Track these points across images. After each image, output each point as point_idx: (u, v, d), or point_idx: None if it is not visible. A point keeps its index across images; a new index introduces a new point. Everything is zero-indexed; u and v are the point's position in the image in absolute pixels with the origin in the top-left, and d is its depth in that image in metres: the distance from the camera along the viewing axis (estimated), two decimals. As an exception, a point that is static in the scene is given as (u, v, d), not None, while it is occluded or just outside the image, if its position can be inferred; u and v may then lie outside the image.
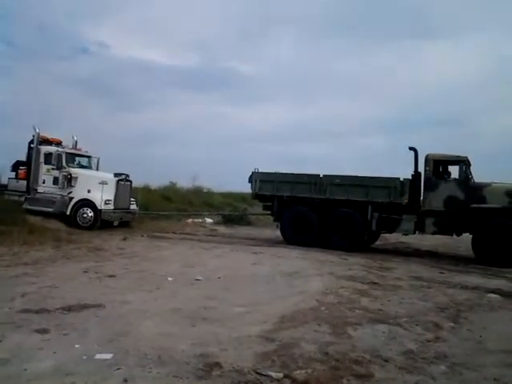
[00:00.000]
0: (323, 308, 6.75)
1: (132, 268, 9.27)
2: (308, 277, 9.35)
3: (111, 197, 15.91)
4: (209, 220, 21.98)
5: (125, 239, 13.64)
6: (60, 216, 15.58)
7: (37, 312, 5.70)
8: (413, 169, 13.95)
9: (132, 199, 17.31)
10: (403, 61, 61.49)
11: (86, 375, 3.89)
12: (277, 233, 16.19)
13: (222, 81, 67.30)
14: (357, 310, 6.70)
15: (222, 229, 20.10)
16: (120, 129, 59.59)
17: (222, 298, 7.03)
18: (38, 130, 16.39)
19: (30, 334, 4.89)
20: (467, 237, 13.37)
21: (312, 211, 14.68)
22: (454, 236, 13.74)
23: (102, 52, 62.79)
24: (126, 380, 3.84)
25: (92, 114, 55.85)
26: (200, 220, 21.75)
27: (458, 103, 56.50)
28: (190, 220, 21.28)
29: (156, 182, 25.32)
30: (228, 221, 21.99)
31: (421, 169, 13.70)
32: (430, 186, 13.39)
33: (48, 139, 17.25)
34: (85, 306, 6.07)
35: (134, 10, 61.62)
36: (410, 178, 13.86)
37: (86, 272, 8.55)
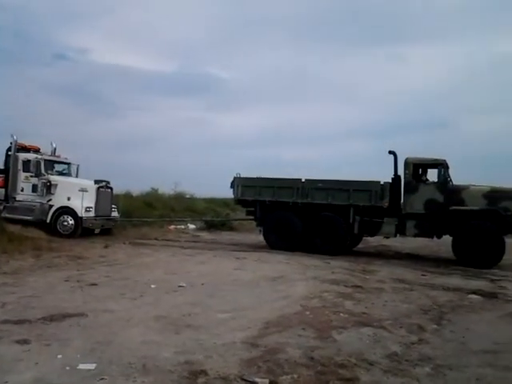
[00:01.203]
0: (308, 312, 6.76)
1: (114, 276, 9.15)
2: (292, 281, 9.35)
3: (92, 204, 15.69)
4: (191, 226, 21.87)
5: (106, 247, 13.48)
6: (40, 224, 15.31)
7: (17, 322, 5.58)
8: (393, 172, 14.08)
9: (113, 206, 17.12)
10: (388, 66, 62.32)
11: (68, 386, 3.83)
12: (260, 238, 16.18)
13: (202, 86, 67.37)
14: (341, 314, 6.72)
15: (204, 235, 20.01)
16: (100, 135, 59.09)
17: (206, 305, 6.99)
18: (15, 137, 16.11)
19: (11, 345, 4.79)
20: (448, 239, 13.54)
21: (295, 215, 14.70)
22: (435, 238, 13.90)
23: (82, 58, 62.41)
24: (109, 390, 3.78)
25: (72, 120, 55.39)
26: (182, 226, 21.63)
27: (442, 107, 57.44)
28: (172, 226, 21.14)
29: (137, 188, 25.16)
30: (211, 227, 21.90)
31: (401, 172, 13.84)
32: (410, 189, 13.53)
33: (26, 146, 16.97)
34: (66, 316, 5.97)
35: (113, 16, 61.27)
36: (390, 181, 14.00)
37: (67, 281, 8.42)
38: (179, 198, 26.88)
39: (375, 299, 7.89)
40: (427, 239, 14.52)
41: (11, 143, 16.15)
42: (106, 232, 16.66)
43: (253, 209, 15.84)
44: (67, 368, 4.20)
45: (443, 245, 14.98)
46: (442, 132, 53.62)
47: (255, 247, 15.65)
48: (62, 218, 15.43)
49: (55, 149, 17.74)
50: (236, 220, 22.15)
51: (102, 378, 4.00)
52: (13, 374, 4.03)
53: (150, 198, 24.89)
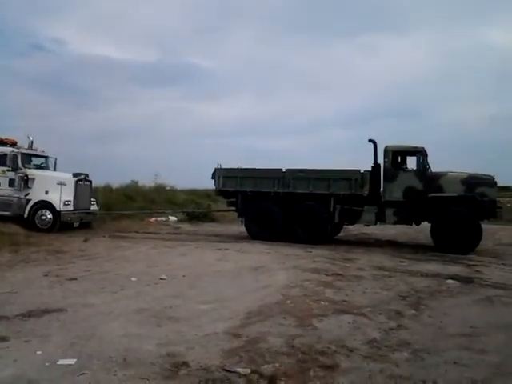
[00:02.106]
0: (289, 301, 6.81)
1: (94, 270, 9.07)
2: (273, 271, 9.41)
3: (70, 197, 15.46)
4: (172, 218, 21.75)
5: (86, 240, 13.34)
6: (17, 219, 15.04)
7: (-5, 319, 5.51)
8: (372, 161, 14.20)
9: (92, 199, 16.91)
10: (362, 55, 62.70)
11: (48, 382, 3.81)
12: (241, 228, 16.19)
13: (182, 76, 66.89)
14: (322, 302, 6.80)
15: (186, 226, 19.94)
16: (79, 127, 58.28)
17: (188, 296, 6.99)
18: None
19: (-12, 342, 4.72)
20: (426, 226, 13.75)
21: (276, 205, 14.75)
22: (414, 225, 14.10)
23: (59, 49, 61.31)
24: (90, 384, 3.77)
25: (49, 112, 54.44)
26: (163, 218, 21.49)
27: (416, 96, 58.07)
28: (153, 219, 21.00)
29: (117, 180, 24.87)
30: (192, 218, 21.84)
31: (380, 160, 13.97)
32: (390, 177, 13.67)
33: (2, 140, 16.60)
34: (46, 311, 5.91)
35: (90, 6, 60.15)
36: (370, 169, 14.12)
37: (46, 276, 8.31)
38: (160, 189, 26.66)
39: (355, 287, 7.99)
40: (406, 226, 14.74)
41: None
42: (85, 225, 16.46)
43: (234, 199, 15.81)
44: (47, 364, 4.17)
45: (422, 232, 15.24)
46: (415, 120, 54.21)
47: (237, 238, 15.67)
48: (39, 212, 15.19)
49: (32, 142, 17.31)
50: (217, 211, 22.12)
51: (83, 373, 3.98)
52: (-9, 372, 3.99)
53: (129, 190, 24.64)
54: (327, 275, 9.00)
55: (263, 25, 62.62)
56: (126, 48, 67.53)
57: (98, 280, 8.12)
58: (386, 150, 13.75)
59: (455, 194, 12.97)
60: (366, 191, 13.77)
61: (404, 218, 13.77)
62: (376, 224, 14.35)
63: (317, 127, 64.53)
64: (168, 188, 27.72)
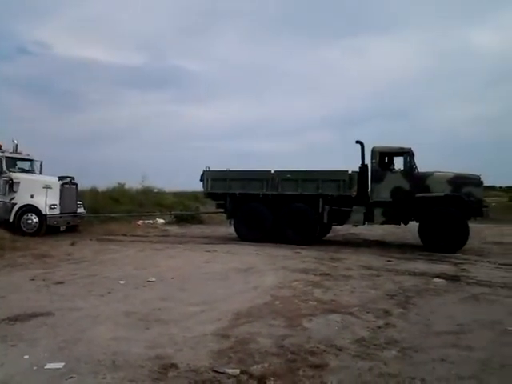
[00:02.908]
0: (278, 302, 6.83)
1: (81, 273, 9.00)
2: (262, 272, 9.41)
3: (56, 201, 15.32)
4: (160, 220, 21.64)
5: (73, 244, 13.22)
6: (3, 223, 14.84)
7: (-20, 324, 5.44)
8: (360, 162, 14.27)
9: (79, 202, 16.76)
10: (350, 57, 63.07)
11: (36, 386, 3.76)
12: (230, 230, 16.16)
13: (169, 79, 66.75)
14: (310, 302, 6.83)
15: (174, 229, 19.86)
16: (65, 130, 57.84)
17: (176, 299, 6.97)
18: None
19: (-26, 347, 4.66)
20: (414, 225, 13.87)
21: (265, 207, 14.74)
22: (402, 225, 14.20)
23: (43, 52, 60.73)
24: (78, 388, 3.74)
25: (34, 115, 53.91)
26: (151, 221, 21.38)
27: (403, 97, 58.57)
28: (140, 221, 20.87)
29: (104, 183, 24.66)
30: (180, 220, 21.75)
31: (368, 161, 14.05)
32: (377, 178, 13.75)
33: None
34: (32, 315, 5.85)
35: (74, 9, 59.73)
36: (357, 170, 14.19)
37: (32, 280, 8.23)
38: (147, 192, 26.51)
39: (343, 286, 8.03)
40: (394, 226, 14.86)
41: None
42: (72, 229, 16.35)
43: (223, 202, 15.77)
44: (34, 368, 4.14)
45: (409, 231, 15.36)
46: (402, 121, 54.67)
47: (225, 240, 15.65)
48: (25, 216, 15.02)
49: (17, 145, 17.06)
50: (206, 213, 22.04)
51: (71, 377, 3.95)
52: (-23, 377, 3.94)
53: (116, 193, 24.46)
54: (316, 275, 9.03)
55: (251, 27, 62.82)
56: (113, 51, 67.34)
57: (86, 283, 8.06)
58: (374, 151, 13.83)
59: (442, 194, 13.09)
60: (354, 192, 13.83)
61: (392, 218, 13.85)
62: (364, 224, 14.41)
63: (305, 129, 64.92)
64: (156, 190, 27.57)
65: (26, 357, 4.41)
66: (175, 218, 22.06)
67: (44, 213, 14.92)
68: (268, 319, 5.88)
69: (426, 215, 13.14)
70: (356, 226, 15.07)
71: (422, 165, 13.89)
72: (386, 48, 61.54)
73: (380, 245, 14.69)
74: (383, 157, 13.98)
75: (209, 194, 16.23)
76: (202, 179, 15.76)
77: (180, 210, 23.32)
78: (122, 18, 61.06)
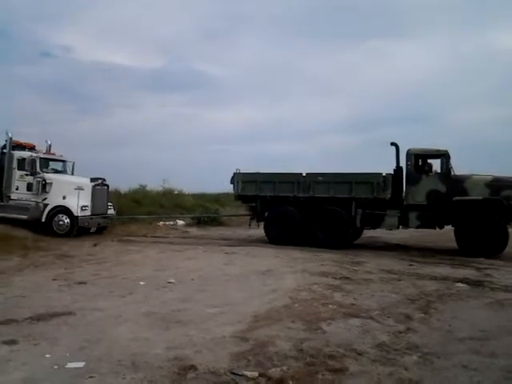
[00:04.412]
0: (297, 305, 6.80)
1: (103, 274, 9.11)
2: (281, 274, 9.39)
3: (88, 202, 15.40)
4: (180, 222, 21.80)
5: (95, 245, 13.41)
6: (34, 223, 15.06)
7: (4, 323, 5.54)
8: (395, 164, 13.96)
9: (109, 204, 16.84)
10: (371, 60, 62.51)
11: (57, 385, 3.82)
12: (249, 232, 16.18)
13: (190, 82, 67.00)
14: (330, 306, 6.77)
15: (193, 230, 19.97)
16: (87, 133, 58.48)
17: (196, 300, 7.00)
18: (10, 135, 15.64)
19: (-2, 345, 4.76)
20: (437, 229, 13.65)
21: (296, 210, 14.57)
22: (422, 229, 13.94)
23: (66, 56, 61.61)
24: (99, 388, 3.78)
25: (58, 118, 54.78)
26: (171, 222, 21.55)
27: (425, 100, 57.82)
28: (161, 223, 21.05)
29: (126, 185, 24.95)
30: (200, 222, 21.86)
31: (402, 163, 13.72)
32: (412, 181, 13.45)
33: (21, 144, 16.58)
34: (54, 315, 5.94)
35: (96, 13, 60.52)
36: (391, 173, 13.89)
37: (55, 280, 8.37)
38: (168, 194, 26.75)
39: (363, 290, 7.95)
40: (414, 230, 14.61)
41: (6, 141, 15.73)
42: (102, 230, 16.48)
43: (253, 204, 15.63)
44: (56, 367, 4.19)
45: (430, 235, 15.14)
46: (425, 124, 53.89)
47: (244, 242, 15.68)
48: (57, 217, 15.15)
49: (50, 146, 17.34)
50: (230, 216, 22.08)
51: (91, 376, 3.99)
52: (1, 375, 4.01)
53: (138, 195, 24.74)
54: (336, 279, 8.97)
55: (270, 30, 62.67)
56: (135, 54, 67.76)
57: (107, 284, 8.15)
58: (409, 154, 13.54)
59: (480, 197, 12.70)
60: (388, 195, 13.55)
61: (427, 222, 13.49)
62: (398, 228, 14.12)
63: (326, 132, 64.40)
64: (176, 192, 27.79)
65: (48, 356, 4.47)
66: (197, 219, 22.15)
67: (75, 214, 15.02)
68: (287, 322, 5.86)
69: (463, 219, 12.78)
70: (390, 229, 14.71)
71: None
72: (407, 50, 60.77)
73: (401, 248, 14.49)
74: (419, 159, 13.70)
75: (239, 197, 16.12)
76: (232, 181, 15.69)
77: (200, 212, 23.42)
78: (143, 22, 61.66)
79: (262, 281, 8.74)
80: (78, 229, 15.24)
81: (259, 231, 17.92)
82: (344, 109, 62.85)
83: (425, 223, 13.56)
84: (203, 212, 23.44)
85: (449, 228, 13.56)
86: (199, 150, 61.49)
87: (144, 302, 6.88)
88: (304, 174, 14.81)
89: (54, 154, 17.18)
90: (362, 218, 13.94)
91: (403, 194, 13.79)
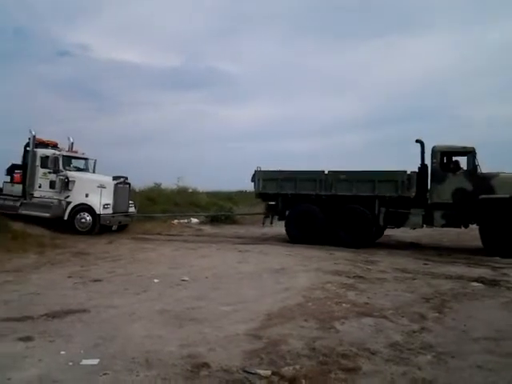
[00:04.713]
0: (310, 303, 6.79)
1: (117, 271, 9.20)
2: (294, 273, 9.38)
3: (110, 201, 15.50)
4: (194, 220, 21.89)
5: (110, 242, 13.53)
6: (56, 221, 15.23)
7: (20, 320, 5.63)
8: (419, 161, 13.76)
9: (130, 202, 16.92)
10: (382, 57, 62.03)
11: (72, 382, 3.87)
12: (263, 230, 16.17)
13: (205, 80, 67.27)
14: (343, 304, 6.75)
15: (207, 228, 20.05)
16: (103, 131, 59.07)
17: (209, 298, 7.03)
18: (33, 133, 15.77)
19: (14, 342, 4.83)
20: (449, 228, 13.50)
21: (318, 208, 14.44)
22: (437, 228, 13.76)
23: (83, 54, 62.22)
24: (113, 384, 3.82)
25: (74, 116, 55.33)
26: (185, 220, 21.65)
27: (438, 96, 57.23)
28: (175, 221, 21.16)
29: (140, 183, 25.08)
30: (214, 220, 21.93)
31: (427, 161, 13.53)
32: (438, 179, 13.21)
33: (44, 141, 16.65)
34: (69, 312, 6.01)
35: (112, 11, 61.06)
36: (416, 170, 13.68)
37: (70, 277, 8.46)
38: (182, 192, 26.86)
39: (377, 289, 7.91)
40: (430, 228, 14.45)
41: (29, 138, 15.87)
42: (123, 228, 16.63)
43: (274, 202, 15.52)
44: (70, 364, 4.24)
45: (445, 233, 14.99)
46: (438, 121, 53.31)
47: (258, 240, 15.70)
48: (79, 215, 15.29)
49: (72, 144, 17.43)
50: (246, 215, 22.09)
51: (105, 373, 4.03)
52: (17, 371, 4.07)
53: (152, 193, 24.87)
54: (349, 277, 8.93)
55: (284, 27, 62.57)
56: (149, 52, 68.23)
57: (122, 281, 8.23)
58: (434, 151, 13.30)
59: (507, 196, 12.41)
60: (413, 193, 13.34)
61: (453, 221, 13.21)
62: (422, 227, 13.90)
63: (340, 129, 64.16)
64: (190, 190, 27.89)
65: (63, 352, 4.53)
66: (211, 217, 22.21)
67: (98, 212, 15.14)
68: (300, 321, 5.85)
69: (489, 218, 12.55)
70: (414, 228, 14.47)
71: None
72: (419, 46, 60.18)
73: (415, 247, 14.38)
74: (444, 156, 13.46)
75: (260, 195, 15.97)
76: (253, 179, 15.58)
77: (214, 210, 23.49)
78: (159, 20, 62.05)
79: (275, 279, 8.74)
80: (100, 227, 15.34)
81: (273, 229, 17.94)
82: (357, 106, 62.54)
83: (450, 222, 13.27)
84: (217, 210, 23.51)
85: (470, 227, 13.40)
86: (213, 147, 61.81)
87: (158, 299, 6.93)
88: (326, 172, 14.61)
89: (76, 152, 17.22)
90: (385, 217, 13.74)
91: (428, 193, 13.53)
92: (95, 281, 8.20)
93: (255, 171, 15.52)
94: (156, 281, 8.27)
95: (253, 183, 15.67)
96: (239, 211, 24.07)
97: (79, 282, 8.05)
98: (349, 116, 62.38)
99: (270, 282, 8.43)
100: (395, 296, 7.42)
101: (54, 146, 16.98)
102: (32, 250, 11.44)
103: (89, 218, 15.26)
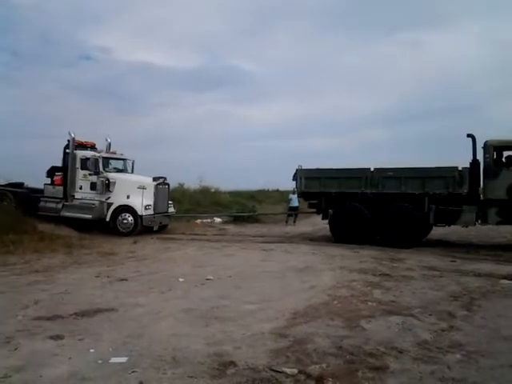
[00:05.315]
0: (335, 302, 6.74)
1: (143, 271, 9.30)
2: (319, 271, 9.33)
3: (151, 201, 15.61)
4: (217, 219, 21.98)
5: (135, 242, 13.68)
6: (98, 222, 15.51)
7: (50, 319, 5.74)
8: (471, 157, 13.24)
9: (170, 202, 17.04)
10: (406, 52, 61.24)
11: (101, 379, 3.92)
12: (286, 229, 16.10)
13: (225, 79, 67.56)
14: (369, 303, 6.69)
15: (231, 228, 20.09)
16: (125, 133, 59.84)
17: (234, 297, 7.04)
18: (73, 135, 16.01)
19: (45, 340, 4.93)
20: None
21: (363, 207, 14.08)
22: (502, 225, 13.23)
23: (105, 57, 63.23)
24: (141, 382, 3.86)
25: (96, 119, 56.18)
26: (209, 220, 21.75)
27: (464, 92, 56.23)
28: (198, 220, 21.27)
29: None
30: (237, 219, 21.98)
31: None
32: (491, 174, 12.72)
33: (82, 143, 16.83)
34: (98, 311, 6.11)
35: (133, 14, 61.79)
36: (468, 166, 13.19)
37: (97, 277, 8.59)
38: (205, 192, 26.99)
39: (404, 287, 7.81)
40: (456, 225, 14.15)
41: (68, 141, 16.07)
42: (162, 228, 16.80)
43: (316, 201, 15.31)
44: (99, 361, 4.31)
45: (473, 230, 14.70)
46: (463, 116, 52.31)
47: (281, 239, 15.66)
48: (121, 216, 15.46)
49: (110, 144, 17.61)
50: (265, 214, 22.08)
51: (134, 371, 4.08)
52: (48, 368, 4.15)
53: (176, 193, 25.02)
54: (375, 275, 8.84)
55: (305, 24, 62.40)
56: (170, 54, 68.96)
57: (147, 281, 8.31)
58: (487, 145, 12.83)
59: None
60: (465, 190, 12.85)
61: (508, 218, 12.68)
62: (475, 225, 13.42)
63: (361, 126, 63.69)
64: (213, 190, 28.00)
65: (92, 350, 4.60)
66: (234, 217, 22.26)
67: (140, 213, 15.29)
68: (325, 319, 5.82)
69: None
70: (465, 226, 13.92)
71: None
72: (443, 41, 59.23)
73: (442, 244, 14.13)
74: (498, 151, 13.01)
75: (302, 194, 15.77)
76: (294, 178, 15.33)
77: (237, 209, 23.54)
78: (179, 21, 62.65)
79: (299, 278, 8.71)
80: (142, 228, 15.50)
81: (296, 229, 17.91)
82: (381, 102, 61.86)
83: (505, 219, 12.72)
84: (239, 209, 23.55)
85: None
86: (235, 147, 62.00)
87: (183, 298, 6.98)
88: (372, 169, 14.24)
89: (114, 153, 17.32)
90: (435, 215, 13.25)
91: (480, 189, 13.06)
92: (121, 280, 8.30)
93: (297, 170, 15.21)
94: (181, 280, 8.34)
95: (294, 182, 15.40)
96: (262, 210, 24.08)
97: (106, 282, 8.17)
98: (373, 112, 61.81)
99: (294, 281, 8.41)
100: (422, 294, 7.32)
101: (92, 147, 17.13)
102: (60, 250, 11.65)
103: (131, 218, 15.41)
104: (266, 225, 21.25)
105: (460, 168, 13.10)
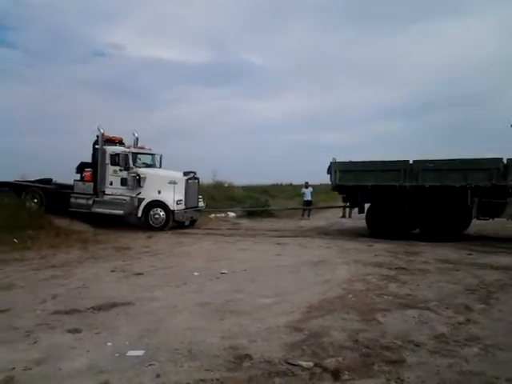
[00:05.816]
0: (350, 295, 6.72)
1: (158, 265, 9.36)
2: (334, 265, 9.31)
3: (182, 196, 15.63)
4: (231, 214, 21.98)
5: (150, 237, 13.77)
6: (130, 218, 15.62)
7: (68, 313, 5.82)
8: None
9: (199, 196, 17.06)
10: (421, 43, 60.55)
11: (119, 372, 3.96)
12: (300, 223, 16.04)
13: (237, 74, 67.50)
14: (385, 296, 6.65)
15: (244, 222, 20.10)
16: (138, 128, 60.03)
17: (249, 291, 7.06)
18: (102, 131, 15.95)
19: (63, 334, 5.00)
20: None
21: (401, 200, 13.76)
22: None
23: (117, 53, 63.48)
24: (158, 375, 3.89)
25: (108, 114, 56.52)
26: (223, 214, 21.77)
27: (480, 83, 55.44)
28: (212, 215, 21.29)
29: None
30: (251, 214, 21.97)
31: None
32: None
33: (110, 138, 16.77)
34: (114, 305, 6.16)
35: (144, 10, 61.90)
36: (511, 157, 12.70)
37: (113, 271, 8.66)
38: (218, 186, 27.01)
39: (420, 280, 7.76)
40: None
41: (97, 136, 16.02)
42: (193, 223, 16.88)
43: (352, 195, 15.00)
44: (117, 355, 4.35)
45: (489, 223, 14.48)
46: (479, 109, 51.58)
47: (295, 233, 15.64)
48: (152, 211, 15.51)
49: (137, 139, 17.52)
50: (278, 210, 22.01)
51: (151, 364, 4.12)
52: (67, 361, 4.21)
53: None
54: (390, 269, 8.79)
55: (316, 19, 61.98)
56: (182, 49, 69.06)
57: (162, 275, 8.37)
58: None
59: None
60: (510, 182, 12.40)
61: None
62: None
63: (374, 119, 63.24)
64: (226, 185, 28.01)
65: (109, 344, 4.65)
66: (247, 212, 22.26)
67: (172, 208, 15.34)
68: (341, 313, 5.80)
69: None
70: (511, 219, 13.28)
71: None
72: (459, 32, 58.44)
73: (457, 237, 13.92)
74: None
75: (336, 187, 15.34)
76: (329, 171, 14.97)
77: (250, 204, 23.52)
78: (188, 16, 62.63)
79: (314, 271, 8.70)
80: (173, 222, 15.58)
81: (309, 223, 17.83)
82: (395, 94, 61.30)
83: None
84: (253, 203, 23.52)
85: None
86: (248, 141, 61.97)
87: (198, 292, 7.02)
88: (411, 161, 13.82)
89: (143, 148, 17.27)
90: (478, 208, 12.88)
91: None
92: (137, 274, 8.36)
93: (331, 163, 14.90)
94: (196, 274, 8.37)
95: (329, 176, 15.06)
96: (275, 204, 24.04)
97: (122, 276, 8.24)
98: (388, 104, 61.28)
99: (309, 275, 8.40)
100: (439, 287, 7.27)
101: (120, 142, 17.12)
102: (76, 245, 11.78)
103: (162, 213, 15.46)
104: (279, 219, 21.20)
105: (504, 159, 12.63)
